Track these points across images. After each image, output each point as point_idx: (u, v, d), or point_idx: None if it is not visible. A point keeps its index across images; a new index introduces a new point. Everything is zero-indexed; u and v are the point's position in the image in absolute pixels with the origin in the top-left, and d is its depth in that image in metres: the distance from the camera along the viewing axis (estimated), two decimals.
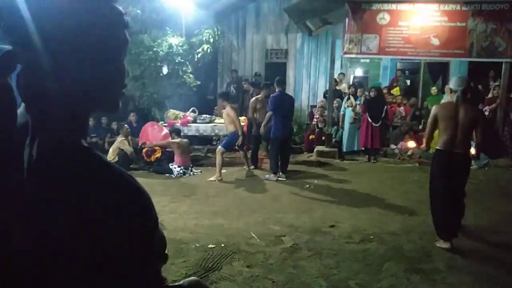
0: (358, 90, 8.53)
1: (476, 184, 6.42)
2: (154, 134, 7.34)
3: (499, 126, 7.96)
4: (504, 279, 3.29)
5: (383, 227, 4.35)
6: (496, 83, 8.56)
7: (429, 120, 4.03)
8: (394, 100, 8.93)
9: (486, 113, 8.19)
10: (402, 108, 8.79)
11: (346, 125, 8.47)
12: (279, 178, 6.44)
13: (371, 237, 4.05)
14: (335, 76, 9.19)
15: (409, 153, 8.18)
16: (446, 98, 8.58)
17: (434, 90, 9.23)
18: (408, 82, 10.81)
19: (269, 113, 6.45)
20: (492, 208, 5.12)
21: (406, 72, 10.93)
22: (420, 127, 9.01)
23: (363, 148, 8.24)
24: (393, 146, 8.48)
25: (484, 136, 3.87)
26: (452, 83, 4.16)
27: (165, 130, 7.34)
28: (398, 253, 3.69)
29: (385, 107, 8.04)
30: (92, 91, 0.67)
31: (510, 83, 8.04)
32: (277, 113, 6.39)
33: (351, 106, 8.43)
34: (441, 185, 3.83)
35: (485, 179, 6.76)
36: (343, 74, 9.36)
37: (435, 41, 7.63)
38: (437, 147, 3.92)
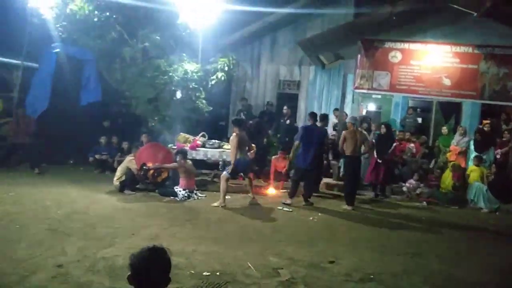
0: (372, 125, 8.58)
1: (485, 228, 6.25)
2: (155, 155, 7.18)
3: (511, 170, 7.80)
4: None
5: (385, 266, 4.23)
6: (509, 127, 8.47)
7: (341, 139, 6.88)
8: (403, 137, 8.87)
9: (498, 156, 8.08)
10: (412, 145, 8.72)
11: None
12: (284, 209, 6.41)
13: (371, 276, 3.93)
14: (333, 111, 9.39)
15: (417, 191, 8.04)
16: (456, 139, 8.53)
17: (444, 130, 9.15)
18: (420, 120, 10.77)
19: (295, 143, 6.90)
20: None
21: (418, 109, 10.91)
22: (431, 166, 8.89)
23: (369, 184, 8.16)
24: (402, 184, 8.36)
25: (368, 145, 7.24)
26: (351, 119, 7.07)
27: (163, 151, 7.32)
28: None
29: (393, 144, 7.99)
30: None
31: None
32: (301, 143, 6.75)
33: None
34: (350, 172, 6.94)
35: (495, 223, 6.57)
36: (337, 109, 9.37)
37: (447, 82, 7.67)
38: (347, 154, 6.85)
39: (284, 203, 6.65)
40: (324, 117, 7.52)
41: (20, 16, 8.40)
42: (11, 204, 5.53)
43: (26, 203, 5.68)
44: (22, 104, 8.44)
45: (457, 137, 8.51)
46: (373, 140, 8.05)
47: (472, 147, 8.15)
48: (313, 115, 7.12)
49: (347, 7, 9.66)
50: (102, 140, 8.83)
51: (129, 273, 1.75)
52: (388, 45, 7.80)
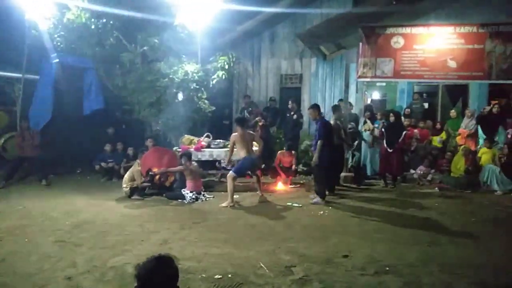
0: (378, 113, 8.45)
1: (500, 211, 6.11)
2: (159, 159, 7.09)
3: None
4: None
5: (400, 257, 4.12)
6: None
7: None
8: (409, 123, 8.69)
9: (510, 136, 7.89)
10: (416, 130, 8.57)
11: (364, 149, 8.34)
12: (294, 204, 6.32)
13: (387, 268, 3.83)
14: (336, 101, 9.15)
15: (428, 178, 7.90)
16: (465, 121, 8.35)
17: (453, 113, 8.96)
18: (426, 105, 10.57)
19: (320, 142, 6.27)
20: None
21: (424, 95, 10.71)
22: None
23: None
24: (412, 171, 8.22)
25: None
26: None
27: (168, 155, 7.25)
28: (416, 287, 3.46)
29: (403, 132, 7.82)
30: None
31: None
32: (326, 141, 6.31)
33: (369, 130, 8.30)
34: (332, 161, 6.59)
35: (510, 205, 6.41)
36: (341, 100, 9.10)
37: (452, 64, 7.48)
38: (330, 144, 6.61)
39: (312, 203, 6.35)
40: (337, 108, 7.40)
41: (18, 29, 8.40)
42: (19, 218, 5.52)
43: (35, 216, 5.66)
44: (26, 117, 8.44)
45: (465, 120, 8.34)
46: (382, 130, 7.91)
47: (480, 130, 7.97)
48: (318, 107, 6.63)
49: None
50: (107, 147, 8.81)
51: (135, 285, 1.67)
52: (389, 30, 7.63)
